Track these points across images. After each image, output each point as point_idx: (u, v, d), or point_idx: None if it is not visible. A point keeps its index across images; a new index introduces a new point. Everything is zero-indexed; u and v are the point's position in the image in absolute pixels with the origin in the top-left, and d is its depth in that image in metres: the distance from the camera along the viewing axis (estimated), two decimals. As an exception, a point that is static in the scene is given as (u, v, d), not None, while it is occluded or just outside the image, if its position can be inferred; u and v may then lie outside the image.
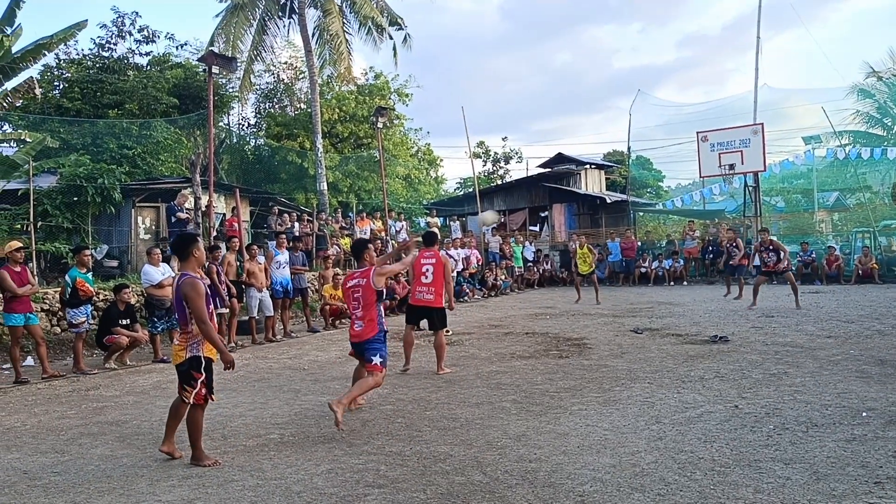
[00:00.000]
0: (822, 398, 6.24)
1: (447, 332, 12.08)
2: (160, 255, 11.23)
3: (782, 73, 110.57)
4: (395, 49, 26.37)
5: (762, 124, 22.91)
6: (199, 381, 5.02)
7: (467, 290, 19.69)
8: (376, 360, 6.10)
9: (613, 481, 4.31)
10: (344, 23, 25.23)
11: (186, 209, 14.51)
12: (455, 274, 19.26)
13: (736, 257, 16.76)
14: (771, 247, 14.51)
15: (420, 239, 9.05)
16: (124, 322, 10.35)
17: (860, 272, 19.48)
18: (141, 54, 25.60)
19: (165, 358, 10.39)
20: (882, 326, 10.62)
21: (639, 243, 24.51)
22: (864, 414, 5.63)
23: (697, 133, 23.75)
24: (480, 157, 44.92)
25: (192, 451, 5.05)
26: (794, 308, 13.49)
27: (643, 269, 23.47)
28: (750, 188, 23.60)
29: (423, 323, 8.84)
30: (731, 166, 22.70)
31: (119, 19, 24.61)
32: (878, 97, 30.98)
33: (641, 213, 31.05)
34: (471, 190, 30.62)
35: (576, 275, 18.01)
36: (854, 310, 13.01)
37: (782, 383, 6.96)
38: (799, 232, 24.45)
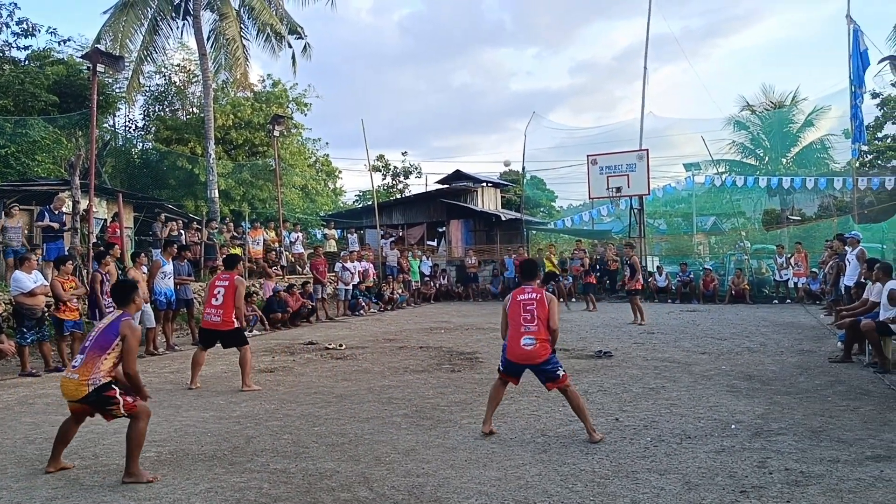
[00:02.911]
0: (696, 411, 6.58)
1: (340, 345, 12.01)
2: (35, 262, 10.52)
3: (667, 103, 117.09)
4: (294, 58, 25.97)
5: (647, 150, 24.12)
6: (119, 394, 4.82)
7: (363, 304, 19.53)
8: (560, 372, 5.82)
9: (498, 494, 4.37)
10: (241, 28, 24.60)
11: (64, 213, 13.65)
12: (352, 287, 19.11)
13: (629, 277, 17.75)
14: (629, 262, 15.45)
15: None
16: (-12, 333, 9.57)
17: (733, 292, 20.76)
18: (19, 48, 23.98)
19: (33, 371, 9.73)
20: (751, 344, 11.35)
21: (530, 261, 25.11)
22: (733, 426, 5.98)
23: (588, 156, 24.73)
24: (380, 171, 44.89)
25: (126, 466, 4.77)
26: (640, 322, 14.65)
27: (535, 286, 24.05)
28: (635, 210, 24.77)
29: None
30: (618, 189, 23.78)
31: (-6, 10, 22.97)
32: (751, 129, 33.30)
33: (534, 232, 31.90)
34: (370, 203, 30.48)
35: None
36: (727, 328, 13.84)
37: (660, 397, 7.29)
38: (679, 253, 25.81)
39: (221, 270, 8.71)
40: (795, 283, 20.26)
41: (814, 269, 19.50)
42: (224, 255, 8.76)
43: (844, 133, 26.62)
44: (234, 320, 8.44)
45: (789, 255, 20.50)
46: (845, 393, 7.28)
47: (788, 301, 20.23)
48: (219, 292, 8.45)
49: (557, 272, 20.40)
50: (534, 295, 5.95)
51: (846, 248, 12.62)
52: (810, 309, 17.70)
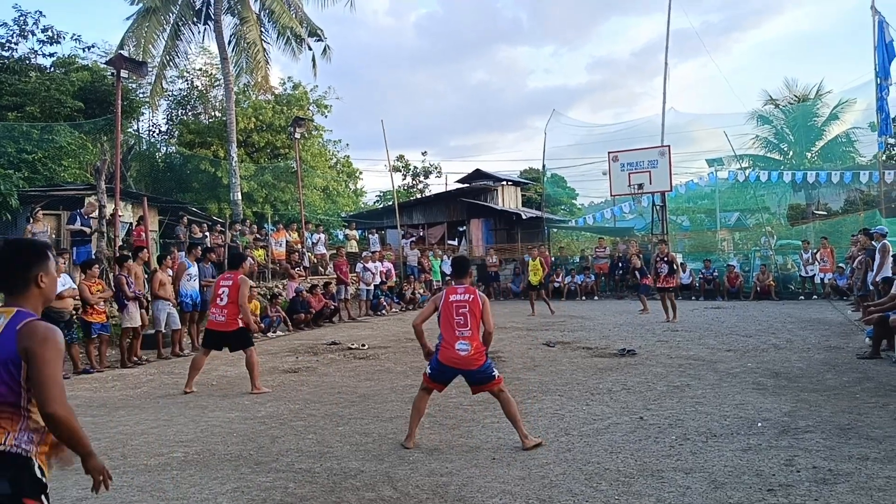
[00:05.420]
0: (722, 409, 6.52)
1: (362, 345, 12.06)
2: (62, 266, 10.69)
3: (688, 98, 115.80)
4: (314, 60, 26.09)
5: (669, 146, 23.86)
6: None
7: (385, 304, 19.60)
8: (495, 373, 5.81)
9: (522, 493, 4.37)
10: (262, 31, 24.78)
11: (91, 217, 13.86)
12: (373, 287, 19.18)
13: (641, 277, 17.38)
14: (666, 258, 15.30)
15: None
16: (18, 336, 9.73)
17: (758, 289, 20.53)
18: (44, 55, 24.32)
19: (63, 373, 9.86)
20: (777, 341, 11.21)
21: (553, 259, 25.06)
22: (760, 424, 5.92)
23: (609, 153, 24.52)
24: (400, 171, 45.02)
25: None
26: (671, 321, 14.38)
27: (556, 284, 23.99)
28: (657, 207, 24.58)
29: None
30: (640, 186, 23.57)
31: (21, 18, 23.32)
32: (775, 123, 32.86)
33: (556, 230, 31.78)
34: (390, 203, 30.59)
35: (527, 287, 18.87)
36: (752, 325, 13.69)
37: (685, 395, 7.23)
38: (702, 250, 25.56)
39: (227, 271, 8.72)
40: (822, 279, 19.98)
41: (840, 265, 19.20)
42: (229, 256, 8.81)
43: (870, 126, 26.17)
44: (239, 321, 8.33)
45: (815, 251, 20.19)
46: (874, 390, 7.16)
47: (815, 297, 19.95)
48: (223, 292, 8.36)
49: (541, 281, 18.28)
50: (466, 296, 5.68)
51: (873, 242, 12.41)
52: (837, 305, 17.43)
